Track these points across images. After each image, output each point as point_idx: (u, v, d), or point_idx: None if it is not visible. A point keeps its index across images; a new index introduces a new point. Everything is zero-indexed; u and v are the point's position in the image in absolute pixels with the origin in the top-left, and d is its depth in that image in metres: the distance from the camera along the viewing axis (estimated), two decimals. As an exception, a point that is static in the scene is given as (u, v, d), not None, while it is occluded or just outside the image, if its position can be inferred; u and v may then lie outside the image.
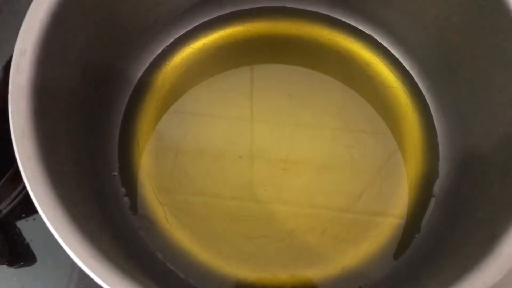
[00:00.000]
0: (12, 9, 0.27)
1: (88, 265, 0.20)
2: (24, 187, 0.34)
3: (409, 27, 0.35)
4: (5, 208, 0.34)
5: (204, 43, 0.37)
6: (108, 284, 0.20)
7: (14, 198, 0.34)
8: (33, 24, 0.23)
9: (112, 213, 0.30)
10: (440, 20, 0.31)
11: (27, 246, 0.34)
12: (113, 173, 0.33)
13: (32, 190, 0.21)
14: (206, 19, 0.37)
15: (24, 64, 0.22)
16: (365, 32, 0.37)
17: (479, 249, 0.23)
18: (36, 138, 0.22)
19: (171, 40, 0.37)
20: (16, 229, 0.34)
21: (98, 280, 0.20)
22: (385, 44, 0.37)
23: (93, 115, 0.31)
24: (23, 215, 0.34)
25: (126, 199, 0.33)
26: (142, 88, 0.35)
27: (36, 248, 0.34)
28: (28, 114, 0.22)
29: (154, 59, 0.36)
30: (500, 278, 0.20)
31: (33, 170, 0.21)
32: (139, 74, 0.36)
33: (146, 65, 0.36)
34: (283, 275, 0.31)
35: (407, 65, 0.36)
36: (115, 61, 0.33)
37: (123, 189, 0.33)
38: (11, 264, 0.33)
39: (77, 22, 0.27)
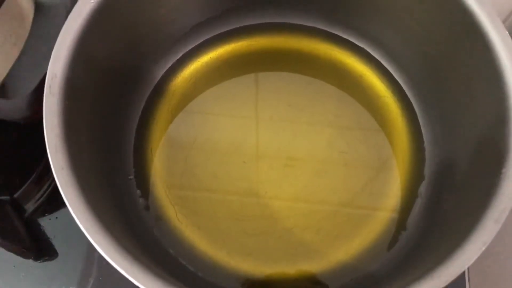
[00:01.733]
0: (38, 34, 0.29)
1: (113, 259, 0.23)
2: (47, 188, 0.36)
3: (398, 42, 0.36)
4: (30, 207, 0.36)
5: (210, 57, 0.38)
6: (129, 275, 0.22)
7: (38, 199, 0.36)
8: (62, 50, 0.26)
9: (129, 213, 0.32)
10: (424, 37, 0.33)
11: (50, 242, 0.35)
12: (129, 177, 0.34)
13: (65, 195, 0.23)
14: (212, 34, 0.38)
15: (55, 87, 0.25)
16: (358, 46, 0.38)
17: (454, 244, 0.25)
18: (67, 151, 0.24)
19: (181, 55, 0.38)
20: (41, 227, 0.35)
21: (122, 271, 0.22)
22: (377, 57, 0.38)
23: (112, 125, 0.33)
24: (46, 214, 0.36)
25: (141, 200, 0.34)
26: (155, 98, 0.37)
27: (58, 244, 0.35)
28: (59, 131, 0.24)
29: (166, 72, 0.38)
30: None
31: (66, 179, 0.23)
32: (152, 86, 0.37)
33: (159, 78, 0.37)
34: (283, 269, 0.33)
35: (397, 76, 0.37)
36: (131, 74, 0.35)
37: (138, 191, 0.34)
38: (36, 258, 0.35)
39: (99, 44, 0.29)
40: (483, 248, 0.23)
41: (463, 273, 0.31)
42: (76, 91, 0.26)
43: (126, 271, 0.22)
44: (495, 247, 0.29)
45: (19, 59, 0.28)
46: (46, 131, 0.24)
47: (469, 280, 0.33)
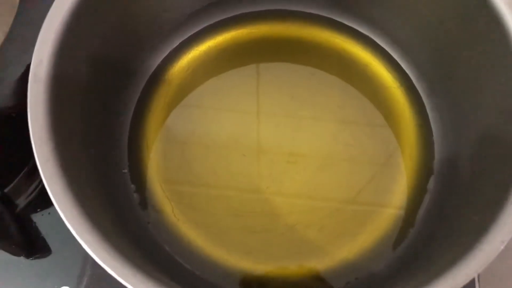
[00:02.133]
0: (25, 20, 0.28)
1: (101, 258, 0.22)
2: (39, 182, 0.35)
3: (405, 30, 0.35)
4: (22, 203, 0.35)
5: (209, 46, 0.38)
6: (119, 275, 0.21)
7: (30, 193, 0.35)
8: (48, 36, 0.24)
9: (123, 208, 0.31)
10: (434, 23, 0.32)
11: (43, 239, 0.34)
12: (123, 171, 0.34)
13: (50, 191, 0.22)
14: (211, 22, 0.38)
15: (41, 74, 0.23)
16: (364, 34, 0.37)
17: (467, 243, 0.24)
18: (54, 142, 0.23)
19: (178, 43, 0.37)
20: (32, 223, 0.35)
21: (110, 271, 0.21)
22: (383, 46, 0.37)
23: (104, 116, 0.32)
24: (39, 209, 0.35)
25: (136, 195, 0.33)
26: (150, 88, 0.36)
27: (51, 240, 0.34)
28: (45, 120, 0.23)
29: (162, 61, 0.37)
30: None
31: (51, 172, 0.22)
32: (148, 76, 0.36)
33: (154, 67, 0.37)
34: (284, 268, 0.32)
35: (404, 66, 0.37)
36: (126, 62, 0.34)
37: (132, 186, 0.34)
38: (27, 256, 0.34)
39: (89, 30, 0.28)
40: (502, 247, 0.21)
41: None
42: (64, 79, 0.25)
43: (115, 271, 0.21)
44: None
45: (4, 45, 0.27)
46: (30, 120, 0.23)
47: (479, 281, 0.32)
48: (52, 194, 0.22)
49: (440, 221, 0.31)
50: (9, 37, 0.27)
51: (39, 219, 0.35)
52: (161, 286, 0.22)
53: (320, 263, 0.32)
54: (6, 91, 0.25)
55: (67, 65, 0.26)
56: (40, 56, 0.24)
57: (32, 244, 0.34)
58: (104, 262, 0.21)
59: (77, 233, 0.22)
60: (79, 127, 0.27)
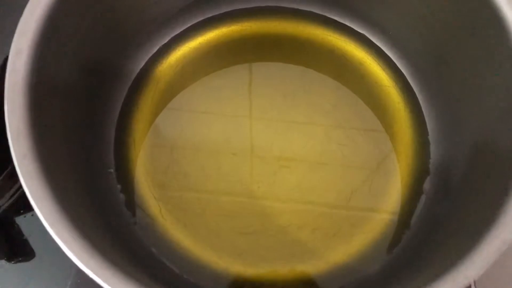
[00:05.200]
0: (7, 9, 0.27)
1: (83, 261, 0.21)
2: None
3: (401, 27, 0.35)
4: (3, 204, 0.34)
5: (199, 42, 0.37)
6: (102, 280, 0.20)
7: (13, 195, 0.34)
8: (29, 24, 0.23)
9: (107, 209, 0.30)
10: (430, 20, 0.32)
11: (26, 242, 0.34)
12: (109, 170, 0.33)
13: (27, 188, 0.21)
14: (202, 18, 0.37)
15: (20, 64, 0.22)
16: (358, 32, 0.37)
17: (464, 246, 0.23)
18: (32, 137, 0.22)
19: (167, 39, 0.36)
20: (15, 225, 0.34)
21: (92, 275, 0.20)
22: (378, 44, 0.37)
23: (89, 113, 0.31)
24: (22, 211, 0.34)
25: (121, 195, 0.33)
26: (138, 86, 0.36)
27: (34, 243, 0.34)
28: (23, 113, 0.22)
29: (150, 58, 0.36)
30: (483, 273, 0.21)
31: (29, 168, 0.21)
32: (135, 72, 0.36)
33: (142, 64, 0.36)
34: (276, 271, 0.32)
35: (399, 64, 0.36)
36: (111, 59, 0.33)
37: (119, 186, 0.33)
38: (10, 259, 0.33)
39: (73, 22, 0.27)
40: (504, 249, 0.20)
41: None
42: (46, 71, 0.24)
43: (98, 276, 0.20)
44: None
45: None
46: (7, 112, 0.22)
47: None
48: (29, 192, 0.21)
49: (436, 223, 0.31)
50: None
51: (22, 221, 0.34)
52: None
53: (313, 266, 0.32)
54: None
55: (48, 57, 0.25)
56: (19, 46, 0.23)
57: (14, 248, 0.34)
58: (85, 266, 0.20)
59: (56, 233, 0.21)
60: (60, 122, 0.26)
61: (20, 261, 0.33)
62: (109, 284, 0.20)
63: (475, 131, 0.30)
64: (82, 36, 0.28)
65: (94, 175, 0.31)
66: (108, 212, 0.30)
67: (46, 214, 0.21)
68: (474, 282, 0.30)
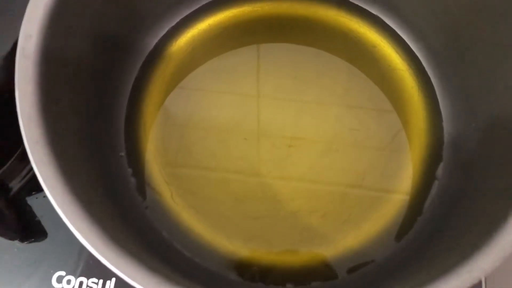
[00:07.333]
0: None
1: (93, 244, 0.21)
2: (34, 165, 0.35)
3: (416, 9, 0.34)
4: (15, 185, 0.34)
5: (209, 24, 0.36)
6: (111, 263, 0.20)
7: (24, 176, 0.34)
8: (38, 8, 0.23)
9: (119, 193, 0.30)
10: (448, 2, 0.31)
11: (38, 222, 0.34)
12: (120, 154, 0.33)
13: (40, 173, 0.21)
14: None
15: (30, 49, 0.22)
16: (372, 13, 0.36)
17: (479, 234, 0.23)
18: (43, 122, 0.22)
19: (176, 21, 0.36)
20: (27, 206, 0.34)
21: (101, 259, 0.20)
22: (392, 26, 0.36)
23: (99, 97, 0.31)
24: (33, 192, 0.34)
25: (133, 179, 0.33)
26: (148, 68, 0.35)
27: (46, 224, 0.34)
28: (34, 99, 0.22)
29: (160, 40, 0.36)
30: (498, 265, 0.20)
31: (41, 154, 0.21)
32: (146, 54, 0.35)
33: (152, 46, 0.35)
34: (286, 255, 0.32)
35: (414, 47, 0.35)
36: (120, 42, 0.33)
37: (129, 170, 0.33)
38: (22, 239, 0.34)
39: (82, 4, 0.26)
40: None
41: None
42: (56, 55, 0.24)
43: (109, 261, 0.20)
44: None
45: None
46: (18, 99, 0.22)
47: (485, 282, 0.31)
48: (42, 178, 0.21)
49: (449, 211, 0.30)
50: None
51: (34, 202, 0.34)
52: (160, 277, 0.20)
53: (323, 250, 0.32)
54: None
55: (58, 40, 0.24)
56: (29, 30, 0.22)
57: (27, 228, 0.34)
58: (96, 250, 0.20)
59: (68, 219, 0.21)
60: (71, 106, 0.26)
61: (32, 242, 0.34)
62: (118, 268, 0.20)
63: (489, 117, 0.30)
64: (91, 17, 0.28)
65: (105, 159, 0.31)
66: (119, 196, 0.30)
67: (58, 200, 0.21)
68: (485, 278, 0.30)
